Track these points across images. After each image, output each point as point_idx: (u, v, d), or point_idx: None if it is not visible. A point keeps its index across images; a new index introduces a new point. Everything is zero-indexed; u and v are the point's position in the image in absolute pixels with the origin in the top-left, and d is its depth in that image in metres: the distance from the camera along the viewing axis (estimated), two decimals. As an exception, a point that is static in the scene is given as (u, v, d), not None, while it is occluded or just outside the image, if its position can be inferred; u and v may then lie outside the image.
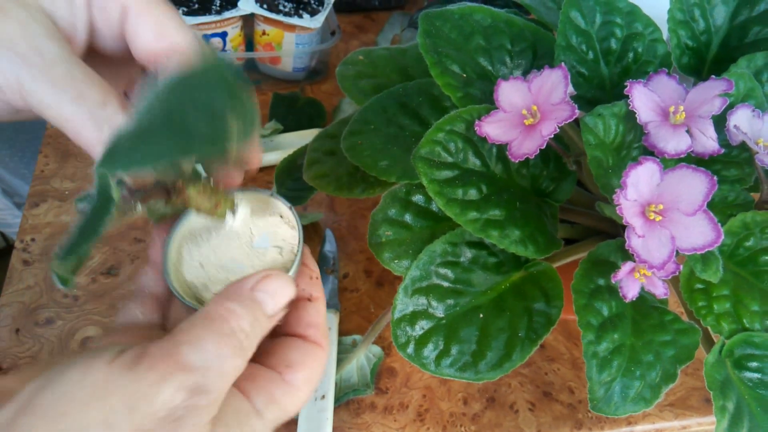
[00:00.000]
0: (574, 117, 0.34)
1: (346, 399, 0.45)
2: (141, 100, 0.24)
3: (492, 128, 0.36)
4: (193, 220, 0.29)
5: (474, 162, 0.37)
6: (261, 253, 0.29)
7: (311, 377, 0.27)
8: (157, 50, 0.27)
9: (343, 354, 0.47)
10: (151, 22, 0.27)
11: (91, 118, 0.24)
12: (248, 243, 0.29)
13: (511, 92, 0.37)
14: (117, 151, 0.22)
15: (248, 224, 0.30)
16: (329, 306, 0.50)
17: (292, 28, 0.64)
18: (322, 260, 0.54)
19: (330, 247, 0.55)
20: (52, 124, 0.25)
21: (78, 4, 0.26)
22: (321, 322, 0.29)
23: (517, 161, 0.35)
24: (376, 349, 0.48)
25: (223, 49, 0.65)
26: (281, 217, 0.30)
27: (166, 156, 0.22)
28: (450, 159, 0.36)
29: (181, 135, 0.22)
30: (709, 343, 0.38)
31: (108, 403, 0.21)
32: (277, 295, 0.26)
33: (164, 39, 0.27)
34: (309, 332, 0.28)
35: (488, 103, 0.37)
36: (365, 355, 0.47)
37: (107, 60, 0.28)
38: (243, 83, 0.24)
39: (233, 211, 0.29)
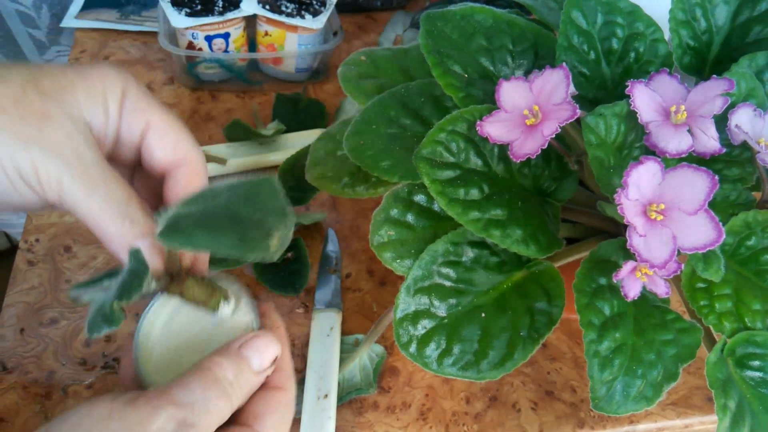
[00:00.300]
0: (576, 117, 0.34)
1: (349, 398, 0.45)
2: (200, 194, 0.28)
3: (493, 128, 0.36)
4: (156, 311, 0.32)
5: (476, 162, 0.37)
6: (224, 321, 0.32)
7: (280, 421, 0.30)
8: (171, 162, 0.32)
9: (346, 353, 0.47)
10: (169, 137, 0.32)
11: (116, 215, 0.28)
12: (209, 316, 0.32)
13: (512, 92, 0.37)
14: (178, 228, 0.25)
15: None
16: (332, 305, 0.50)
17: (294, 28, 0.64)
18: (324, 260, 0.54)
19: (332, 247, 0.55)
20: (78, 218, 0.28)
21: (112, 118, 0.31)
22: (284, 366, 0.31)
23: (518, 161, 0.35)
24: (379, 348, 0.48)
25: (226, 50, 0.65)
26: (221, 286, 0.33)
27: (218, 247, 0.25)
28: (452, 159, 0.37)
29: (235, 235, 0.25)
30: (711, 342, 0.38)
31: (110, 429, 0.25)
32: (262, 353, 0.30)
33: (179, 153, 0.32)
34: (273, 378, 0.31)
35: (490, 103, 0.38)
36: (368, 355, 0.48)
37: (117, 165, 0.33)
38: (290, 207, 0.28)
39: (227, 302, 0.32)
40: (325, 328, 0.48)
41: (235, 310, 0.32)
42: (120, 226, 0.28)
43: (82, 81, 0.29)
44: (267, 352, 0.30)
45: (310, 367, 0.45)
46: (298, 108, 0.65)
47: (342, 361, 0.47)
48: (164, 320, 0.32)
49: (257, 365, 0.29)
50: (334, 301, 0.51)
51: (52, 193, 0.28)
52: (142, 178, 0.34)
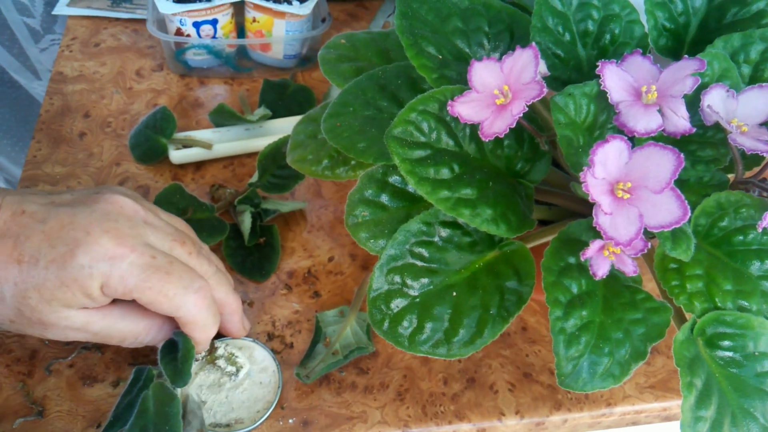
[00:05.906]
0: (543, 95, 0.34)
1: (352, 357, 0.47)
2: None
3: (464, 108, 0.36)
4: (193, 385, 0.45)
5: (447, 142, 0.37)
6: (249, 382, 0.45)
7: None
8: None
9: (334, 324, 0.48)
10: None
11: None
12: (234, 382, 0.45)
13: (483, 72, 0.37)
14: None
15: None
16: None
17: (282, 15, 0.65)
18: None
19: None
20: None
21: None
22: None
23: (487, 140, 0.36)
24: (366, 315, 0.49)
25: (214, 36, 0.65)
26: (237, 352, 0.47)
27: None
28: (423, 139, 0.37)
29: None
30: (682, 322, 0.38)
31: None
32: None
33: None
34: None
35: (464, 84, 0.38)
36: (356, 322, 0.48)
37: None
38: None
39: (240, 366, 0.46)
40: None
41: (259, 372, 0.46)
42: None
43: None
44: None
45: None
46: (286, 94, 0.65)
47: (334, 331, 0.48)
48: (201, 390, 0.44)
49: None
50: None
51: None
52: None
